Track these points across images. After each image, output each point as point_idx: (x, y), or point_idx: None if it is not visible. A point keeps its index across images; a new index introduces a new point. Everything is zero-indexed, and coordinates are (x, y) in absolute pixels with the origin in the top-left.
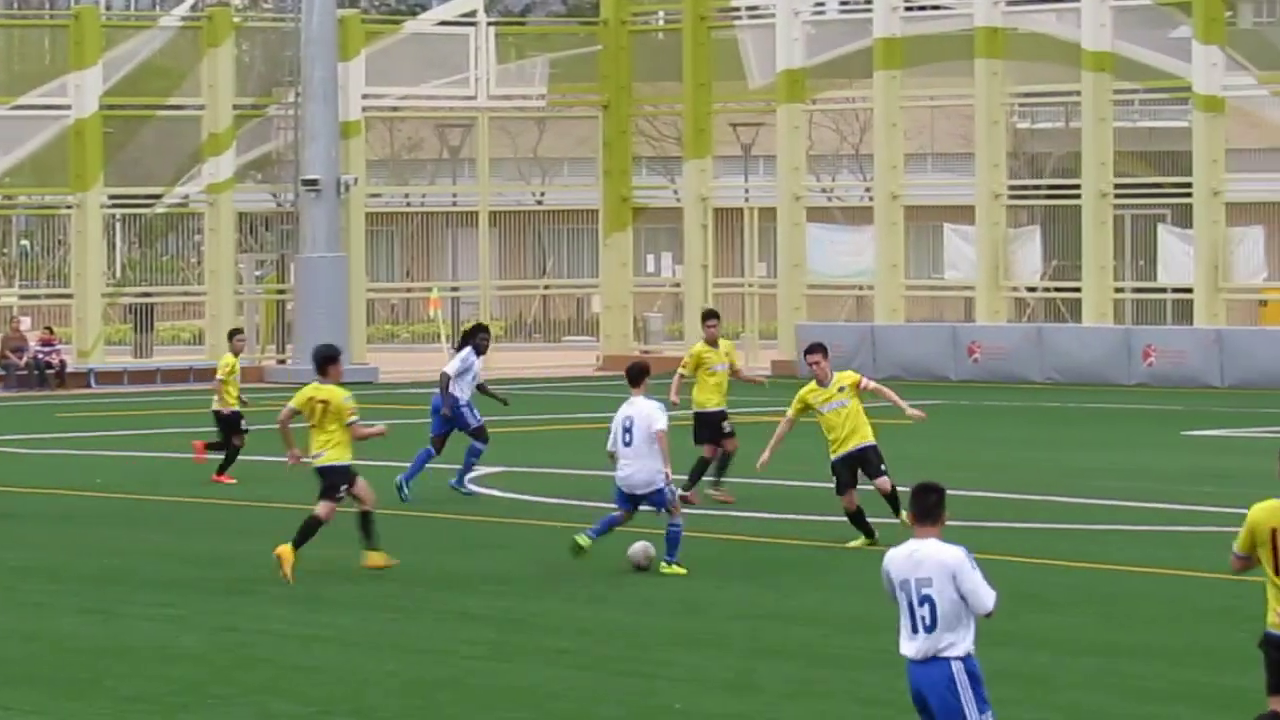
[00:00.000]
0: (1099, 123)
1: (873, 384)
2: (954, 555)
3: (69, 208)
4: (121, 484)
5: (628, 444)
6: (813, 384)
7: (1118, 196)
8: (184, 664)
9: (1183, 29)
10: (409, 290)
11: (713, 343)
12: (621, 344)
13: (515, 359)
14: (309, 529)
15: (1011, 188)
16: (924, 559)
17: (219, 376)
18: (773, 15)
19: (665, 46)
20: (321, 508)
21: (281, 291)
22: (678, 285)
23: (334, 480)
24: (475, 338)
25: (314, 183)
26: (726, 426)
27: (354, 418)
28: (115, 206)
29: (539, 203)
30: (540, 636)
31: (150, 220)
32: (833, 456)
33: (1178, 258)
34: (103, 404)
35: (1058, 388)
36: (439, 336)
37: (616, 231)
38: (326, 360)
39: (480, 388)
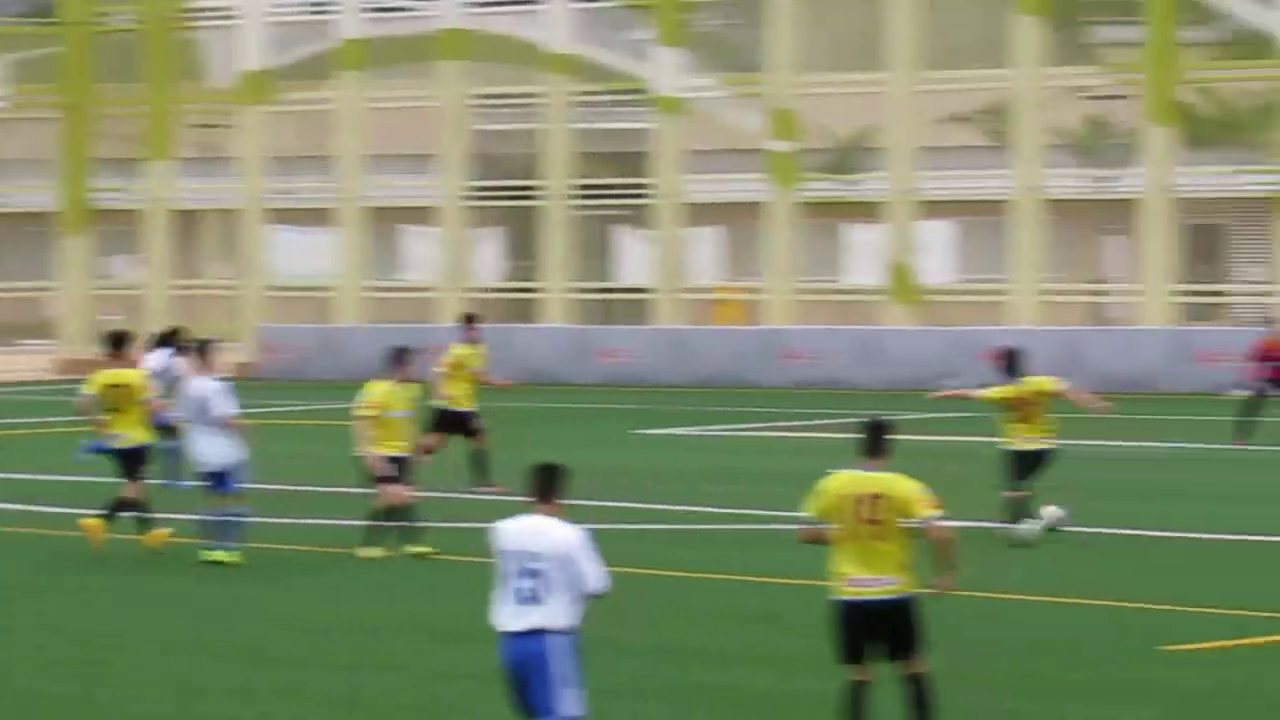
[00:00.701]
0: (560, 124)
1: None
2: (569, 534)
3: None
4: None
5: (200, 421)
6: (400, 385)
7: (579, 198)
8: None
9: (644, 31)
10: None
11: (474, 343)
12: (79, 347)
13: None
14: (123, 508)
15: (473, 189)
16: (538, 535)
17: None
18: (237, 16)
19: (128, 47)
20: (130, 488)
21: None
22: (138, 288)
23: (136, 462)
24: (178, 338)
25: None
26: (474, 424)
27: (149, 396)
28: None
29: None
30: (25, 637)
31: None
32: (386, 453)
33: (637, 258)
34: None
35: (519, 388)
36: None
37: (75, 234)
38: (121, 342)
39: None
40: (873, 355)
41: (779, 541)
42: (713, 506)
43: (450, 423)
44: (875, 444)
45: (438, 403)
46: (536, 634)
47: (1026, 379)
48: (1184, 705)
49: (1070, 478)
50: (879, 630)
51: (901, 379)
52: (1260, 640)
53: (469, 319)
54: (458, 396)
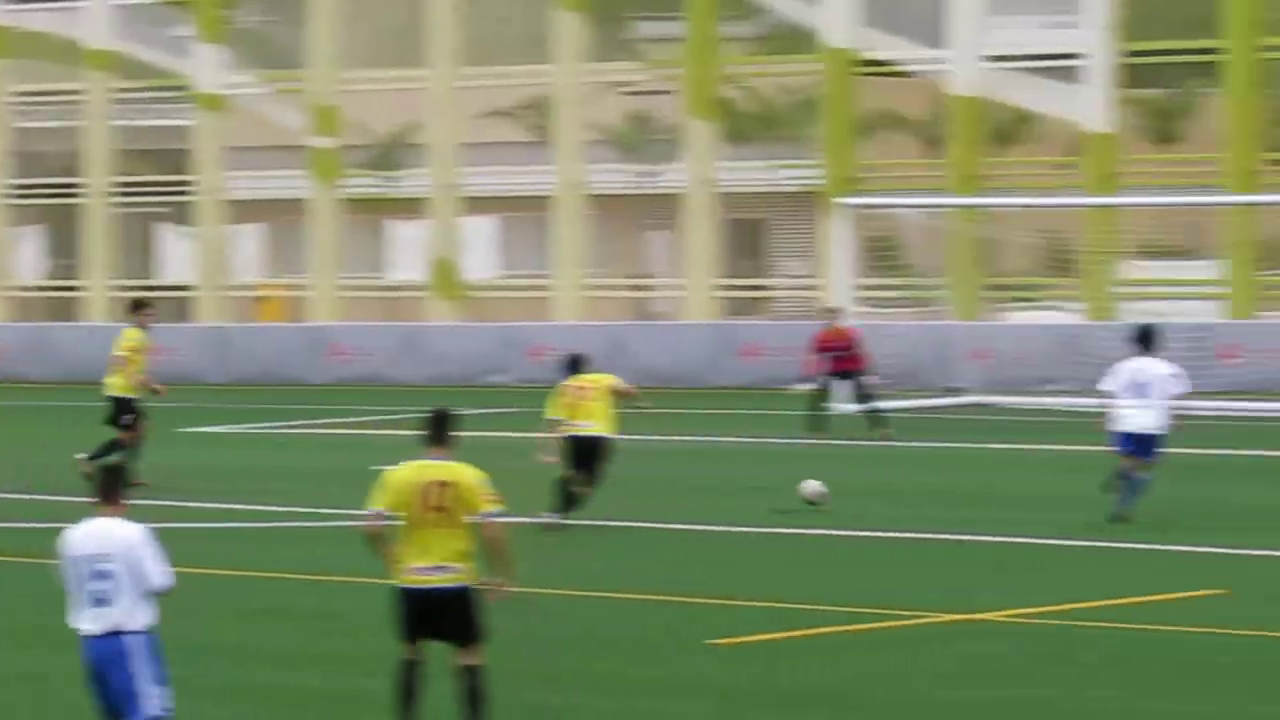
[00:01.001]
0: (101, 121)
1: None
2: (134, 533)
3: None
4: None
5: None
6: None
7: (120, 195)
8: None
9: (184, 28)
10: None
11: (146, 329)
12: None
13: None
14: None
15: (13, 187)
16: (104, 536)
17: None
18: None
19: None
20: None
21: None
22: None
23: None
24: None
25: None
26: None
27: None
28: None
29: None
30: None
31: None
32: None
33: (179, 256)
34: None
35: (62, 387)
36: None
37: None
38: None
39: None
40: (417, 351)
41: (331, 538)
42: (262, 504)
43: (126, 412)
44: (440, 433)
45: (120, 393)
46: (113, 635)
47: (582, 376)
48: (731, 700)
49: (619, 472)
50: (439, 619)
51: (446, 375)
52: (806, 633)
53: (138, 305)
54: (128, 386)
